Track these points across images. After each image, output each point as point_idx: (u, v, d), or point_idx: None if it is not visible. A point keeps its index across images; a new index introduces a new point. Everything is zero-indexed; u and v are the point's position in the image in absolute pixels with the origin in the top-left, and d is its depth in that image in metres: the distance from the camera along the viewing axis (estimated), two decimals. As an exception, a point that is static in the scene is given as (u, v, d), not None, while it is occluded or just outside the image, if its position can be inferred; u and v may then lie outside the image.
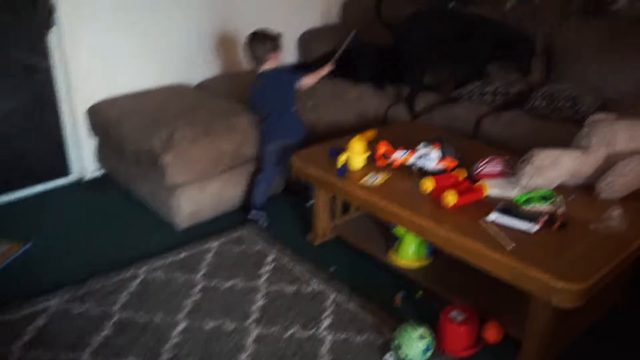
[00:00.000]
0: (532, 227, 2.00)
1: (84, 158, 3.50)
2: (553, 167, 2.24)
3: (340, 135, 2.84)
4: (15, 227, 2.94)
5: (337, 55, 3.12)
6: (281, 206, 3.14)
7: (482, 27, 3.31)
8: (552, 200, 2.17)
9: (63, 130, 3.42)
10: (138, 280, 2.48)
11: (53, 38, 3.20)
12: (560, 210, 2.13)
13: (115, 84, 3.43)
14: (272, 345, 2.10)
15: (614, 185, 2.19)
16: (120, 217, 3.07)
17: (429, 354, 2.00)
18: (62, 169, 3.49)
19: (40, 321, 2.23)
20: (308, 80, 2.98)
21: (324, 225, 2.78)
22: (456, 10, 3.76)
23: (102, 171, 3.55)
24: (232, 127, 3.00)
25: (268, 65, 2.92)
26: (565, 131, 2.64)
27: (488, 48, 3.27)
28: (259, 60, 2.92)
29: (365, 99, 3.60)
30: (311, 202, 2.88)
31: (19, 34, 3.15)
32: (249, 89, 3.02)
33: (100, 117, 3.28)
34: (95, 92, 3.37)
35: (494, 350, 2.09)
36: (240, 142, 2.99)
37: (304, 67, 3.86)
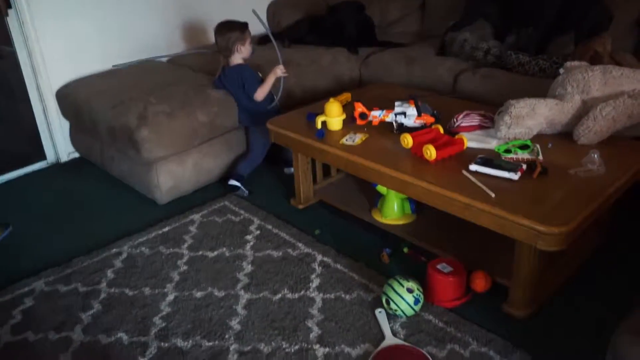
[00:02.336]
0: (513, 176, 2.01)
1: (58, 141, 3.44)
2: (530, 116, 2.25)
3: (317, 100, 2.84)
4: (-7, 213, 2.90)
5: (277, 46, 3.01)
6: (262, 174, 3.13)
7: None
8: (530, 149, 2.19)
9: (34, 115, 3.35)
10: (123, 257, 2.46)
11: (14, 23, 3.12)
12: (540, 157, 2.14)
13: (83, 65, 3.37)
14: (262, 309, 2.11)
15: (591, 130, 2.21)
16: (99, 198, 3.04)
17: (418, 306, 2.02)
18: (38, 153, 3.44)
19: (27, 303, 2.20)
20: (261, 93, 2.93)
21: (305, 189, 2.78)
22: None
23: (77, 154, 3.49)
24: (207, 99, 2.97)
25: (236, 59, 2.91)
26: (541, 83, 2.66)
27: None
28: (225, 51, 2.90)
29: (340, 63, 3.58)
30: (291, 169, 2.87)
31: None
32: (214, 80, 3.06)
33: (70, 99, 3.22)
34: (63, 74, 3.31)
35: (483, 299, 2.12)
36: (216, 113, 2.96)
37: (275, 37, 3.83)
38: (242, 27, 2.91)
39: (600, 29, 3.05)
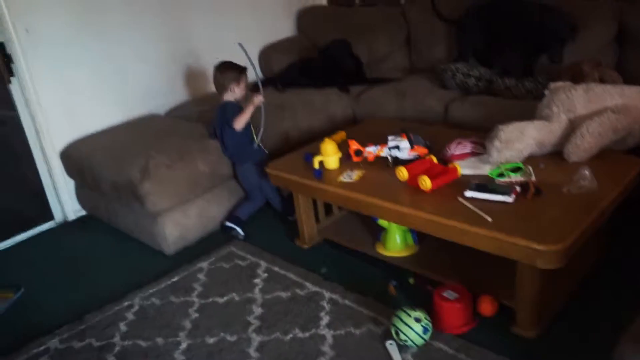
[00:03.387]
0: (508, 198, 2.07)
1: (64, 201, 3.51)
2: (520, 139, 2.32)
3: (314, 141, 2.91)
4: (4, 276, 2.94)
5: (259, 80, 3.08)
6: (266, 217, 3.19)
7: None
8: (523, 170, 2.25)
9: (40, 176, 3.44)
10: (134, 309, 2.50)
11: (16, 88, 3.23)
12: (532, 178, 2.20)
13: (84, 124, 3.45)
14: (275, 350, 2.14)
15: (580, 148, 2.28)
16: (108, 253, 3.09)
17: (428, 334, 2.05)
18: (45, 213, 3.49)
19: (43, 363, 2.24)
20: (239, 122, 2.91)
21: (309, 229, 2.83)
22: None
23: (84, 211, 3.56)
24: (206, 148, 3.05)
25: (229, 96, 2.98)
26: (529, 105, 2.73)
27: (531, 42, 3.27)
28: (219, 88, 2.99)
29: (332, 103, 3.67)
30: (294, 216, 2.92)
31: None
32: (210, 127, 3.14)
33: (73, 158, 3.30)
34: (65, 135, 3.39)
35: (491, 323, 2.15)
36: (215, 162, 3.03)
37: (269, 82, 3.94)
38: (241, 69, 2.99)
39: (563, 40, 3.19)
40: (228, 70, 2.97)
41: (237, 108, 2.97)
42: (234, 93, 2.97)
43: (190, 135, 3.16)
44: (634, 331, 1.39)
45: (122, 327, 2.39)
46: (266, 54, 4.30)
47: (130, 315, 2.46)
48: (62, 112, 3.37)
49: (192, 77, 3.94)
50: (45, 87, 3.28)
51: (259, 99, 2.94)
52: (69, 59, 3.33)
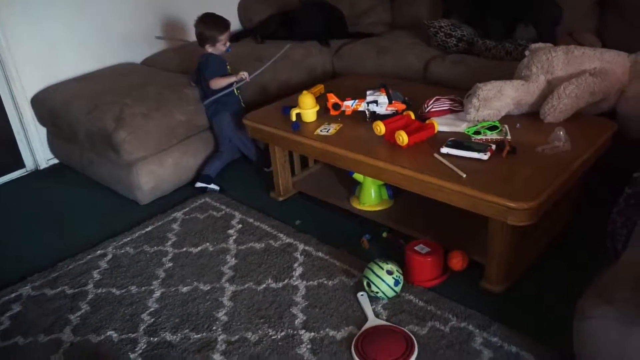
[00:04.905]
0: (483, 156, 2.09)
1: (35, 149, 3.44)
2: (498, 98, 2.33)
3: (292, 94, 2.89)
4: (-26, 224, 2.91)
5: (264, 67, 3.05)
6: (242, 170, 3.18)
7: None
8: (499, 129, 2.27)
9: (10, 123, 3.36)
10: (108, 258, 2.49)
11: (-16, 31, 3.13)
12: (508, 137, 2.22)
13: (57, 70, 3.37)
14: (248, 300, 2.16)
15: (556, 109, 2.29)
16: (81, 202, 3.06)
17: (399, 287, 2.09)
18: (16, 161, 3.43)
19: (14, 309, 2.23)
20: (216, 82, 2.92)
21: (284, 182, 2.83)
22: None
23: (56, 160, 3.51)
24: (183, 98, 3.01)
25: (210, 50, 2.94)
26: (509, 65, 2.73)
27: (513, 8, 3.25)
28: (202, 41, 2.94)
29: (312, 57, 3.63)
30: (270, 168, 2.91)
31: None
32: (191, 75, 3.11)
33: (46, 105, 3.23)
34: (37, 81, 3.31)
35: (460, 277, 2.20)
36: (192, 112, 3.00)
37: (248, 32, 3.87)
38: (224, 23, 2.94)
39: (554, 23, 3.17)
40: (212, 24, 2.92)
41: (220, 63, 2.94)
42: (216, 48, 2.93)
43: (167, 85, 3.10)
44: (596, 286, 1.43)
45: (96, 275, 2.39)
46: (246, 5, 4.21)
47: (103, 264, 2.46)
48: (33, 58, 3.28)
49: (170, 26, 3.85)
50: (17, 33, 3.18)
51: (244, 75, 2.92)
52: (42, 3, 3.22)
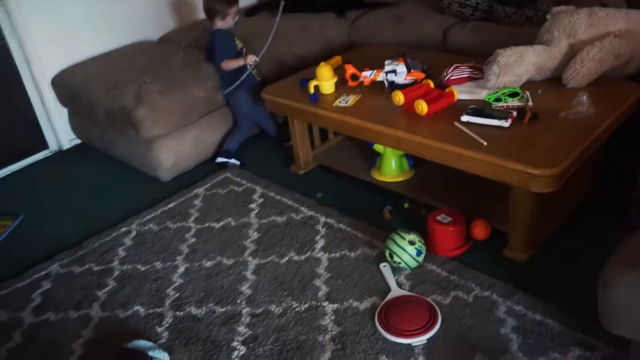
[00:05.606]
0: (504, 123, 2.06)
1: (58, 129, 3.48)
2: (519, 64, 2.28)
3: (309, 66, 2.87)
4: (3, 204, 2.97)
5: (268, 42, 2.89)
6: (262, 144, 3.18)
7: None
8: (520, 96, 2.23)
9: (32, 105, 3.39)
10: (132, 235, 2.53)
11: (2, 15, 3.13)
12: (529, 104, 2.18)
13: (75, 51, 3.39)
14: (271, 273, 2.18)
15: (579, 73, 2.24)
16: (104, 180, 3.10)
17: (421, 257, 2.08)
18: (40, 143, 3.48)
19: (44, 286, 2.28)
20: (227, 64, 2.89)
21: (304, 155, 2.83)
22: None
23: (79, 140, 3.54)
24: (201, 74, 3.00)
25: (220, 24, 2.90)
26: (530, 32, 2.67)
27: None
28: (210, 15, 2.90)
29: (329, 28, 3.59)
30: (289, 142, 2.91)
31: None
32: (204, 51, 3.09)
33: (66, 85, 3.26)
34: (56, 63, 3.34)
35: (483, 246, 2.19)
36: (211, 87, 3.00)
37: (264, 6, 3.83)
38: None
39: None
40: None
41: (228, 38, 2.92)
42: (225, 22, 2.90)
43: (186, 61, 3.10)
44: (620, 253, 1.41)
45: (121, 252, 2.43)
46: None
47: (128, 241, 2.50)
48: (51, 39, 3.30)
49: (181, 6, 3.83)
50: (34, 14, 3.19)
51: (252, 59, 2.87)
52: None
